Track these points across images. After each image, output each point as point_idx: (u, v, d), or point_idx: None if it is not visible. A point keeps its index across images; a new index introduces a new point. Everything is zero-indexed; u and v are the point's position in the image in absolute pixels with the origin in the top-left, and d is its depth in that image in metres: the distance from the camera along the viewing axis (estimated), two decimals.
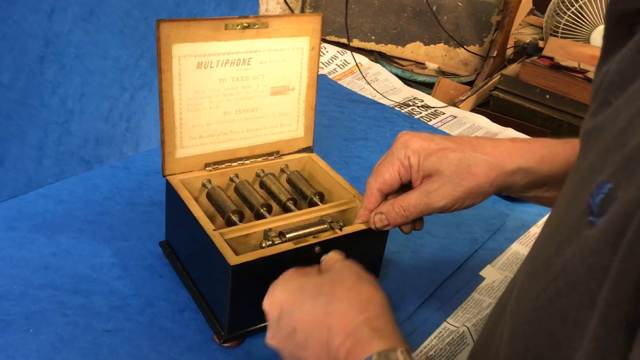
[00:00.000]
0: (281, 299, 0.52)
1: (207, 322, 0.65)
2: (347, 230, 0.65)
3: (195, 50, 0.66)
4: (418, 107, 1.29)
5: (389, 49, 1.49)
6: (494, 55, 1.42)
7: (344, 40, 1.39)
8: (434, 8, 1.43)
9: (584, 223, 0.33)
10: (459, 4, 1.44)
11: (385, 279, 0.75)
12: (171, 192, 0.69)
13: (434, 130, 1.19)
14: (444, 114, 1.28)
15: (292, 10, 1.44)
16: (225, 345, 0.63)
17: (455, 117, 1.27)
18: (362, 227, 0.65)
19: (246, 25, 0.67)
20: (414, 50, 1.48)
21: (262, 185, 0.74)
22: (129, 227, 0.78)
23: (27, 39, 0.75)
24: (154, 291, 0.68)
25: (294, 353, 0.49)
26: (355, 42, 1.49)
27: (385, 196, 0.65)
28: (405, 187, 0.64)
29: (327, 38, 1.50)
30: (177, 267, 0.71)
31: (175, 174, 0.70)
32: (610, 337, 0.29)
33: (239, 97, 0.71)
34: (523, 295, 0.39)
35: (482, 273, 0.80)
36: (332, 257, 0.56)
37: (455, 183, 0.60)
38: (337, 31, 1.46)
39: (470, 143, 0.62)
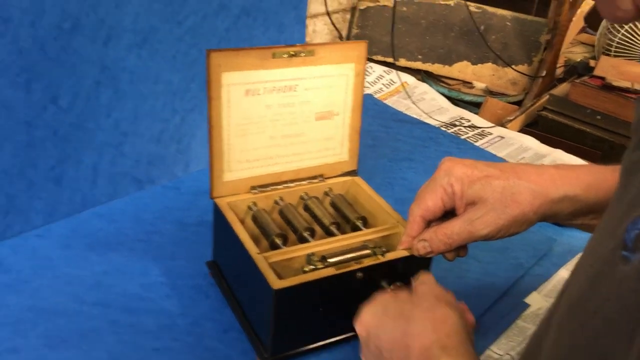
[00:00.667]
0: (367, 321, 0.55)
1: (250, 343, 0.66)
2: (390, 256, 0.66)
3: (243, 78, 0.68)
4: (465, 127, 1.29)
5: (436, 68, 1.49)
6: (543, 74, 1.40)
7: (391, 60, 1.40)
8: (482, 27, 1.42)
9: (617, 258, 0.33)
10: (507, 23, 1.43)
11: None
12: (218, 214, 0.71)
13: (481, 151, 1.18)
14: (491, 134, 1.27)
15: (338, 31, 1.46)
16: None
17: (502, 137, 1.26)
18: (405, 253, 0.66)
19: (293, 53, 0.69)
20: (462, 69, 1.48)
21: (306, 208, 0.75)
22: (178, 247, 0.80)
23: (84, 65, 0.79)
24: (200, 311, 0.70)
25: None
26: (402, 62, 1.50)
27: (429, 223, 0.65)
28: (448, 213, 0.65)
29: (374, 57, 1.51)
30: (222, 288, 0.73)
31: (222, 197, 0.72)
32: None
33: (285, 123, 0.73)
34: (561, 331, 0.39)
35: (527, 300, 0.79)
36: (422, 280, 0.59)
37: (499, 211, 0.60)
38: (384, 50, 1.47)
39: (514, 170, 0.61)
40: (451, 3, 1.47)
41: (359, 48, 0.73)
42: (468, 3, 1.42)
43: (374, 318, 0.55)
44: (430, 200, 0.63)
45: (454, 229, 0.62)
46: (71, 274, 0.73)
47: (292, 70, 0.70)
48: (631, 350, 0.31)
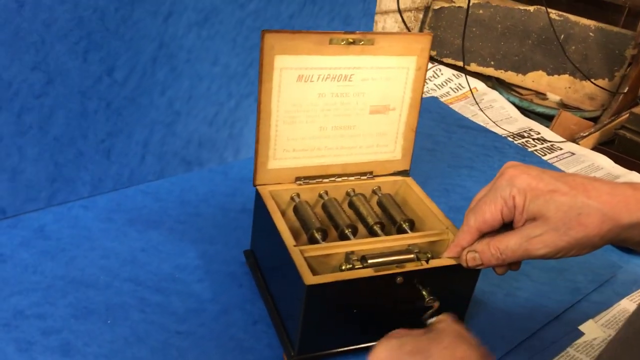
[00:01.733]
0: (382, 356, 0.52)
1: (278, 338, 0.63)
2: (434, 263, 0.61)
3: (297, 63, 0.65)
4: (533, 139, 1.22)
5: (509, 76, 1.42)
6: (625, 91, 1.31)
7: (461, 64, 1.34)
8: (562, 37, 1.35)
9: None
10: (590, 34, 1.35)
11: (471, 321, 0.70)
12: (259, 202, 0.69)
13: (548, 167, 1.12)
14: (561, 149, 1.20)
15: (409, 30, 1.41)
16: None
17: (573, 154, 1.18)
18: (451, 262, 0.61)
19: (351, 41, 0.66)
20: (536, 79, 1.40)
21: (351, 205, 0.72)
22: (217, 232, 0.78)
23: (143, 40, 0.78)
24: (231, 299, 0.68)
25: None
26: (473, 67, 1.44)
27: (483, 234, 0.61)
28: (505, 224, 0.60)
29: (444, 60, 1.46)
30: (257, 278, 0.70)
31: (265, 185, 0.69)
32: None
33: (336, 113, 0.69)
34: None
35: (582, 328, 0.73)
36: (440, 319, 0.57)
37: (561, 232, 0.54)
38: (455, 54, 1.41)
39: (584, 187, 0.55)
40: (531, 9, 1.40)
41: (423, 41, 0.69)
42: (549, 10, 1.34)
43: (388, 353, 0.51)
44: (488, 212, 0.58)
45: (508, 244, 0.57)
46: (108, 247, 0.73)
47: (349, 58, 0.67)
48: None
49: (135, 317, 0.63)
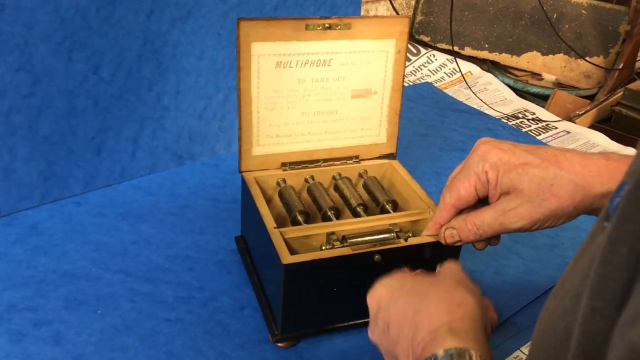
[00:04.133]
0: (380, 294, 0.52)
1: (264, 320, 0.64)
2: (413, 241, 0.62)
3: (274, 50, 0.66)
4: (528, 120, 1.21)
5: (503, 58, 1.42)
6: (620, 67, 1.30)
7: (456, 48, 1.34)
8: (554, 16, 1.34)
9: (600, 229, 0.29)
10: (583, 11, 1.34)
11: None
12: (244, 188, 0.70)
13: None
14: (556, 128, 1.19)
15: None
16: (279, 345, 0.62)
17: (568, 132, 1.18)
18: (430, 239, 0.62)
19: (328, 25, 0.67)
20: (531, 60, 1.40)
21: (336, 188, 0.73)
22: (207, 222, 0.80)
23: (127, 37, 0.79)
24: (219, 286, 0.69)
25: (389, 348, 0.50)
26: (468, 50, 1.43)
27: (460, 211, 0.61)
28: (481, 200, 0.60)
29: (438, 45, 1.46)
30: (246, 263, 0.72)
31: (251, 171, 0.70)
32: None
33: (317, 99, 0.70)
34: (541, 315, 0.36)
35: None
36: (447, 265, 0.56)
37: (535, 204, 0.55)
38: (449, 39, 1.41)
39: (557, 158, 0.56)
40: None
41: (401, 23, 0.70)
42: None
43: (387, 291, 0.51)
44: (462, 189, 0.59)
45: (484, 219, 0.58)
46: (100, 241, 0.74)
47: (327, 43, 0.68)
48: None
49: (125, 307, 0.65)
